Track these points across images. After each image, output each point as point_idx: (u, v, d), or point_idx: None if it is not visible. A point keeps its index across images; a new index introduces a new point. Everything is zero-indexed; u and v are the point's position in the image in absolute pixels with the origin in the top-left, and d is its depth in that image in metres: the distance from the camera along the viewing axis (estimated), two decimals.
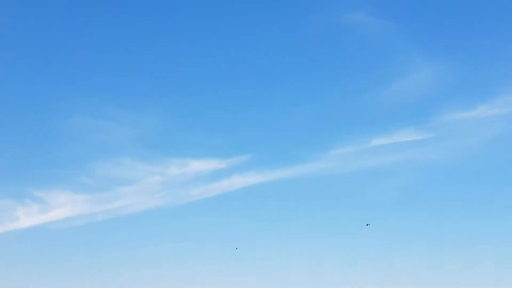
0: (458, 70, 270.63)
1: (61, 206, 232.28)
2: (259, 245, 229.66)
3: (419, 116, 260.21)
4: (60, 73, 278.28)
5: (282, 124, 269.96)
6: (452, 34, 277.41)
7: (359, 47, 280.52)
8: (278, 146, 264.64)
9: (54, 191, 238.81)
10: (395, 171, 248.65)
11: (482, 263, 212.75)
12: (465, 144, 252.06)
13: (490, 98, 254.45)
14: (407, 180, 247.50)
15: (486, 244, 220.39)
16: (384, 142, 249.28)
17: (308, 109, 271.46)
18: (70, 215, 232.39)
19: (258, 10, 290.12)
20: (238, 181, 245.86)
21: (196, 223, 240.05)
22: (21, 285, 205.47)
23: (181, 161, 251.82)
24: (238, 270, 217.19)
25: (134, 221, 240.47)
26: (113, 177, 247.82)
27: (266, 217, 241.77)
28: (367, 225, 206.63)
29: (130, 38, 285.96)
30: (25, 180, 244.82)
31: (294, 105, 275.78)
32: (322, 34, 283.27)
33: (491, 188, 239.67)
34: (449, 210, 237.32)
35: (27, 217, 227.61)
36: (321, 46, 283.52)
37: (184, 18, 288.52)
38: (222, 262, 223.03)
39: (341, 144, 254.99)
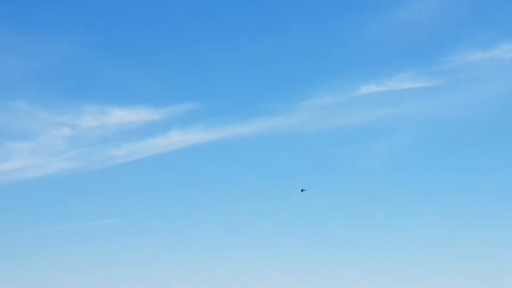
0: None
1: None
2: (205, 224, 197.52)
3: (423, 57, 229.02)
4: None
5: (241, 62, 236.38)
6: None
7: None
8: (234, 92, 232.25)
9: None
10: (390, 129, 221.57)
11: (498, 242, 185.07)
12: (482, 94, 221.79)
13: None
14: (406, 141, 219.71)
15: (504, 220, 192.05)
16: (376, 90, 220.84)
17: (278, 44, 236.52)
18: None
19: None
20: (178, 139, 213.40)
21: (120, 195, 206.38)
22: None
23: (98, 109, 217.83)
24: (179, 256, 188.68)
25: (31, 190, 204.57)
26: (1, 129, 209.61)
27: (216, 188, 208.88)
28: (302, 190, 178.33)
29: None
30: None
31: (258, 37, 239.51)
32: None
33: None
34: (459, 180, 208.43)
35: None
36: None
37: None
38: (158, 245, 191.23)
39: (319, 93, 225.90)
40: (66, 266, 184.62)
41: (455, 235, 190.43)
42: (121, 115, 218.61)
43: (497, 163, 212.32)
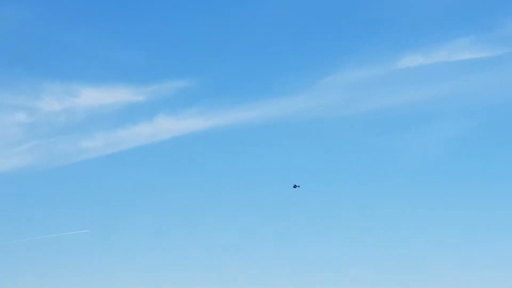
0: None
1: None
2: (198, 232, 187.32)
3: (482, 20, 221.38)
4: None
5: (245, 28, 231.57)
6: None
7: None
8: (236, 67, 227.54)
9: None
10: (441, 112, 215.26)
11: None
12: None
13: None
14: (461, 128, 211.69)
15: None
16: (422, 62, 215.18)
17: (291, 3, 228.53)
18: None
19: None
20: (166, 127, 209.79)
21: (93, 199, 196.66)
22: None
23: (63, 89, 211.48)
24: (166, 267, 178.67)
25: None
26: None
27: (214, 189, 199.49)
28: (295, 187, 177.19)
29: None
30: None
31: None
32: None
33: None
34: None
35: None
36: None
37: None
38: (140, 261, 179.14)
39: (346, 66, 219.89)
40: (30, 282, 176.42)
41: None
42: (93, 97, 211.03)
43: None
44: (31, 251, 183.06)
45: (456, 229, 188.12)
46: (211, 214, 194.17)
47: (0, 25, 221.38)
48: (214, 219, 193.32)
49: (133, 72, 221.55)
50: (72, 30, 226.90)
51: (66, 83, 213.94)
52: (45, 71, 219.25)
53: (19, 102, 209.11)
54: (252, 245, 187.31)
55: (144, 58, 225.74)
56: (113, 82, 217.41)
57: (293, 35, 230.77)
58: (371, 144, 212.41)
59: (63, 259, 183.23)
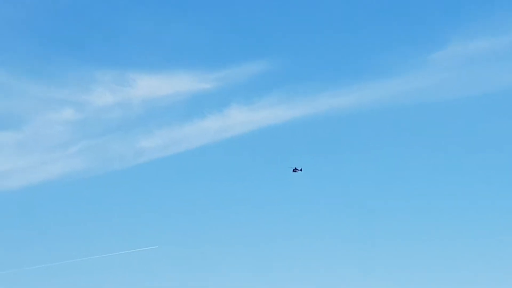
0: None
1: None
2: (286, 244, 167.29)
3: None
4: None
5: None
6: None
7: None
8: (324, 45, 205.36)
9: None
10: None
11: None
12: None
13: None
14: None
15: None
16: None
17: None
18: None
19: None
20: (240, 119, 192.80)
21: (157, 209, 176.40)
22: None
23: (117, 78, 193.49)
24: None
25: (20, 206, 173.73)
26: None
27: (300, 189, 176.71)
28: (295, 170, 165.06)
29: None
30: None
31: None
32: None
33: None
34: None
35: None
36: None
37: None
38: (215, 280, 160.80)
39: (463, 36, 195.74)
40: None
41: None
42: (151, 86, 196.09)
43: None
44: (89, 271, 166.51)
45: None
46: (303, 221, 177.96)
47: (44, 8, 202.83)
48: (308, 226, 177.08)
49: (198, 56, 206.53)
50: (124, 11, 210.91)
51: (120, 72, 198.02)
52: (95, 59, 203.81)
53: (65, 96, 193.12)
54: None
55: (211, 38, 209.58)
56: (174, 68, 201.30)
57: (393, 2, 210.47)
58: (497, 131, 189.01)
59: (128, 279, 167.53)
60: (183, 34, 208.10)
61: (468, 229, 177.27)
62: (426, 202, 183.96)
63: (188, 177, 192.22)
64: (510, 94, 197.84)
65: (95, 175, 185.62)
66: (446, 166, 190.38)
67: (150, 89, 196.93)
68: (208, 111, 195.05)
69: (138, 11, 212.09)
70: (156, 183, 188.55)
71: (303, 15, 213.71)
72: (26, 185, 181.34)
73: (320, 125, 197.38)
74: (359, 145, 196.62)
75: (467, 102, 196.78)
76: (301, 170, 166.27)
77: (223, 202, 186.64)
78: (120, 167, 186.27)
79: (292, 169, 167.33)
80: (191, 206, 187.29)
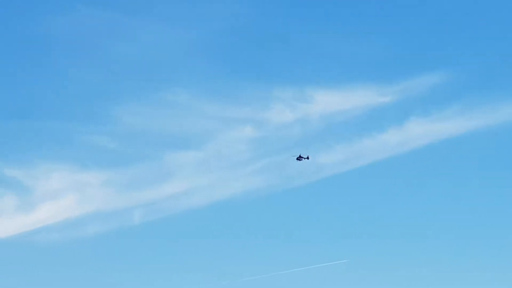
0: None
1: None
2: None
3: None
4: None
5: None
6: None
7: None
8: (507, 52, 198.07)
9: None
10: None
11: None
12: None
13: None
14: None
15: None
16: None
17: None
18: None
19: None
20: (417, 132, 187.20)
21: (350, 224, 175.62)
22: None
23: (296, 94, 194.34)
24: None
25: (200, 223, 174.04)
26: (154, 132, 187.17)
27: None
28: (300, 159, 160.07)
29: None
30: None
31: None
32: None
33: None
34: None
35: None
36: None
37: None
38: None
39: None
40: None
41: None
42: (330, 102, 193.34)
43: None
44: (283, 285, 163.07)
45: None
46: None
47: (220, 28, 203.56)
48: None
49: (376, 69, 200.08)
50: (301, 27, 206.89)
51: (298, 88, 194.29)
52: (273, 76, 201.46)
53: (245, 114, 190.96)
54: None
55: (388, 51, 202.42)
56: (352, 82, 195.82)
57: None
58: None
59: None
60: (360, 48, 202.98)
61: None
62: None
63: (370, 190, 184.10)
64: None
65: (276, 192, 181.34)
66: None
67: (328, 105, 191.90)
68: (387, 125, 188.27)
69: (315, 26, 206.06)
70: (337, 198, 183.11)
71: (481, 24, 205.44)
72: (209, 203, 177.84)
73: (503, 136, 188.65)
74: None
75: None
76: (307, 158, 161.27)
77: (407, 217, 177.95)
78: (300, 184, 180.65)
79: (296, 158, 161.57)
80: (379, 219, 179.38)
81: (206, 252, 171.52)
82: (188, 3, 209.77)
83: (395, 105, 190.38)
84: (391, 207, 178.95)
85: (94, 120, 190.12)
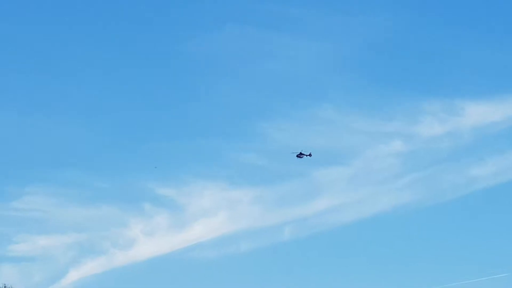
0: None
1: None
2: None
3: None
4: None
5: None
6: None
7: None
8: None
9: None
10: None
11: None
12: None
13: None
14: None
15: None
16: None
17: None
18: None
19: None
20: None
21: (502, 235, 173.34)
22: None
23: (445, 107, 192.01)
24: None
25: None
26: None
27: None
28: (301, 156, 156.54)
29: None
30: None
31: None
32: None
33: None
34: None
35: None
36: None
37: None
38: None
39: None
40: None
41: None
42: (480, 113, 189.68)
43: None
44: None
45: None
46: None
47: (359, 39, 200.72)
48: None
49: None
50: (447, 37, 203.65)
51: (448, 100, 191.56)
52: (422, 89, 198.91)
53: (394, 129, 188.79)
54: None
55: None
56: (503, 93, 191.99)
57: None
58: None
59: None
60: (510, 57, 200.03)
61: None
62: None
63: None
64: None
65: (426, 206, 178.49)
66: None
67: (480, 117, 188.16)
68: None
69: (463, 37, 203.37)
70: (490, 211, 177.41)
71: None
72: (358, 218, 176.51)
73: None
74: None
75: None
76: (309, 155, 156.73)
77: None
78: (451, 198, 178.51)
79: (296, 155, 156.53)
80: None
81: (356, 268, 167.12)
82: (336, 19, 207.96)
83: None
84: None
85: (242, 137, 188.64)
